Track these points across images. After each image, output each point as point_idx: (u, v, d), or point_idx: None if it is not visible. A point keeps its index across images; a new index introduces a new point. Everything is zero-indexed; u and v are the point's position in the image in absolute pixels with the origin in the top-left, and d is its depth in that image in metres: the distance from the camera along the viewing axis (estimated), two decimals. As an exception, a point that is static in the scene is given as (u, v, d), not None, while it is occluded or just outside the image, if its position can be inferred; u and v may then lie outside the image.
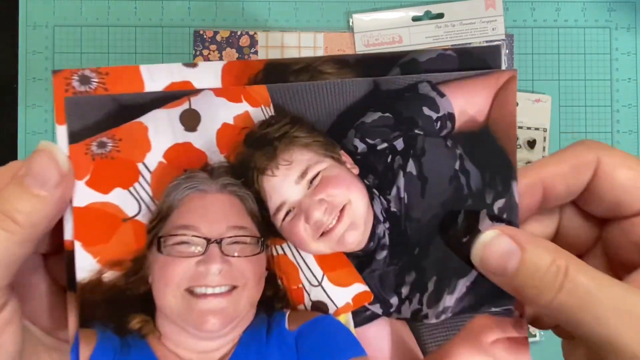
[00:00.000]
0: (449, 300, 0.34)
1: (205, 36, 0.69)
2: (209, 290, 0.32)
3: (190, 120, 0.33)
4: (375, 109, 0.33)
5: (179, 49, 0.70)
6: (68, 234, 0.32)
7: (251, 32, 0.69)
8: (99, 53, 0.70)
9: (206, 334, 0.33)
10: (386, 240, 0.34)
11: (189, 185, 0.33)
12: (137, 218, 0.33)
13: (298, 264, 0.34)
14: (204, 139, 0.33)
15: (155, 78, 0.32)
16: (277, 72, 0.32)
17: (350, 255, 0.34)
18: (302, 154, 0.33)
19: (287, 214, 0.33)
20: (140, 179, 0.33)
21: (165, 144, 0.33)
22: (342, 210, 0.33)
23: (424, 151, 0.34)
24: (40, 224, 0.30)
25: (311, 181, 0.33)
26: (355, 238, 0.34)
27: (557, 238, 0.35)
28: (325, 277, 0.34)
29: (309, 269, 0.34)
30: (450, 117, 0.33)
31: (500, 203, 0.33)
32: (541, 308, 0.29)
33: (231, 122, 0.33)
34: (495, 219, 0.33)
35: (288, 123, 0.33)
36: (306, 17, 0.67)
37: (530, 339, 0.70)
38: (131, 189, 0.33)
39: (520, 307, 0.33)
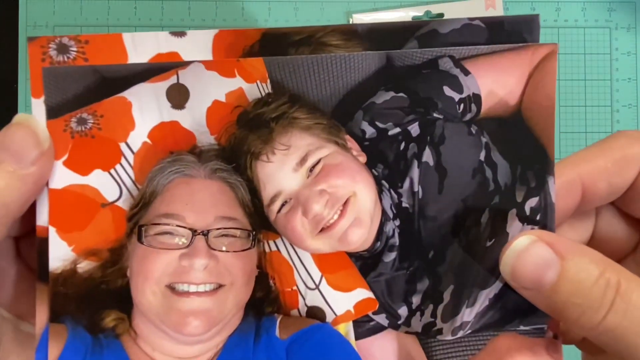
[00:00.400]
0: (467, 315, 0.29)
1: (205, 36, 0.70)
2: (192, 288, 0.29)
3: (178, 97, 0.30)
4: (388, 88, 0.30)
5: (179, 49, 0.71)
6: (42, 218, 0.29)
7: (251, 32, 0.69)
8: (99, 53, 0.71)
9: (186, 338, 0.29)
10: (396, 240, 0.30)
11: (174, 169, 0.30)
12: (117, 203, 0.30)
13: (293, 263, 0.31)
14: (193, 117, 0.30)
15: (140, 48, 0.29)
16: (275, 43, 0.29)
17: (353, 256, 0.31)
18: (301, 137, 0.30)
19: (282, 205, 0.30)
20: (122, 161, 0.30)
21: (150, 122, 0.30)
22: (345, 203, 0.30)
23: (443, 138, 0.30)
24: (13, 205, 0.27)
25: (311, 169, 0.30)
26: (360, 236, 0.30)
27: (591, 244, 0.30)
28: (323, 280, 0.31)
29: (306, 269, 0.31)
30: (476, 98, 0.30)
31: (533, 202, 0.29)
32: (585, 331, 0.25)
33: (223, 99, 0.30)
34: (527, 220, 0.29)
35: (287, 102, 0.30)
36: (306, 17, 0.68)
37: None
38: (112, 171, 0.30)
39: (556, 326, 0.29)
